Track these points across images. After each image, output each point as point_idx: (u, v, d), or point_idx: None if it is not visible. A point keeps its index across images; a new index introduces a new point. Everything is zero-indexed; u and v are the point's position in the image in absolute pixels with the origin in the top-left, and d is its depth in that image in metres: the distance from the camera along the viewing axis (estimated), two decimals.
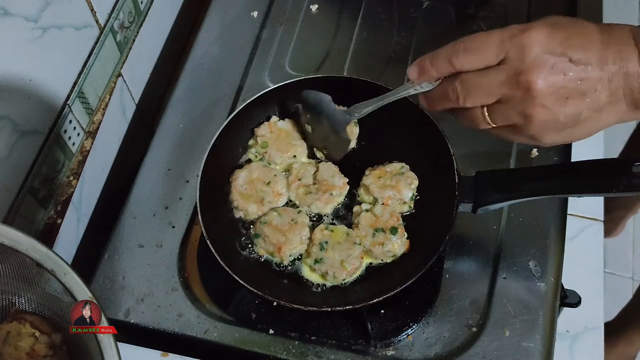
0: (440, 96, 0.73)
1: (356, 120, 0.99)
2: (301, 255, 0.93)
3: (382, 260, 0.92)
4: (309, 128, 1.00)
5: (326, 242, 0.91)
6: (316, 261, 0.90)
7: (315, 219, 0.96)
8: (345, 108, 0.95)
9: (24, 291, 0.77)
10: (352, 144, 1.01)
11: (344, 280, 0.90)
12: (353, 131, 1.02)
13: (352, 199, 0.98)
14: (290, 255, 0.92)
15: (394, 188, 0.95)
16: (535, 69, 0.63)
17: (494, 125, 0.71)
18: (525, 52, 0.63)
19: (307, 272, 0.92)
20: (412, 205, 0.97)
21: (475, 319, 0.91)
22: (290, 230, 0.92)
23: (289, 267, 0.92)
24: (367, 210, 0.94)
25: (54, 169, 0.96)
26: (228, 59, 1.20)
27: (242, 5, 1.28)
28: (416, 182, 0.97)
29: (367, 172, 0.98)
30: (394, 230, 0.91)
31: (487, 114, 0.70)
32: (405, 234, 0.93)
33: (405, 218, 0.95)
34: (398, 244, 0.91)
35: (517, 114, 0.67)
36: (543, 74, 0.63)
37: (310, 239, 0.93)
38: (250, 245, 0.94)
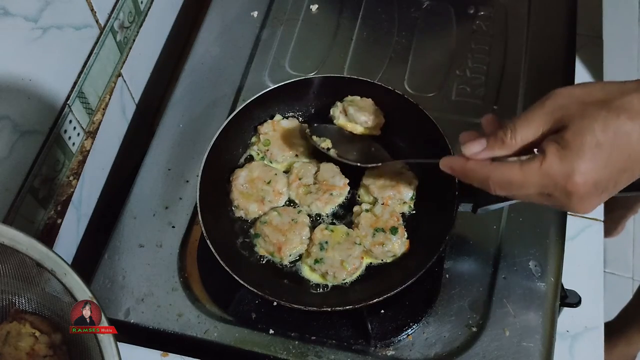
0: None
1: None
2: (301, 255, 0.93)
3: (382, 260, 0.92)
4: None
5: (326, 242, 0.91)
6: (316, 261, 0.90)
7: (315, 218, 0.97)
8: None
9: (24, 291, 0.77)
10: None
11: (344, 280, 0.90)
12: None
13: (352, 199, 0.98)
14: (290, 255, 0.92)
15: (394, 188, 0.95)
16: (583, 203, 0.64)
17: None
18: (573, 196, 0.62)
19: (307, 272, 0.92)
20: (412, 205, 0.97)
21: (475, 319, 0.91)
22: (290, 230, 0.92)
23: (289, 267, 0.92)
24: (367, 210, 0.94)
25: (54, 169, 0.96)
26: (228, 59, 1.20)
27: (242, 5, 1.28)
28: (416, 182, 0.97)
29: (367, 172, 0.98)
30: (394, 230, 0.91)
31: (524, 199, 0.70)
32: (405, 234, 0.93)
33: (405, 218, 0.95)
34: (398, 244, 0.91)
35: (558, 208, 0.68)
36: (591, 202, 0.64)
37: (310, 238, 0.93)
38: (250, 245, 0.94)
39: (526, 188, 0.64)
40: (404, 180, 0.96)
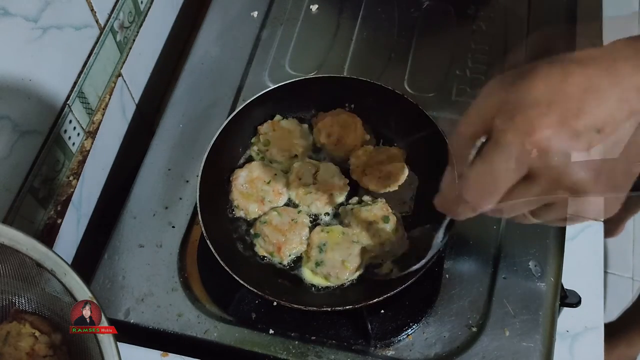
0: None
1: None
2: (301, 255, 0.93)
3: (382, 260, 0.92)
4: None
5: (324, 244, 0.91)
6: (317, 264, 0.90)
7: (314, 219, 0.97)
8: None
9: (24, 291, 0.77)
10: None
11: (346, 279, 0.90)
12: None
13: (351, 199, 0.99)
14: (290, 255, 0.92)
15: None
16: (573, 166, 0.52)
17: (541, 222, 0.63)
18: (550, 157, 0.51)
19: (309, 276, 0.91)
20: (412, 206, 0.97)
21: (475, 319, 0.91)
22: (290, 230, 0.92)
23: (289, 267, 0.92)
24: (352, 208, 0.94)
25: (54, 169, 0.96)
26: (228, 59, 1.20)
27: (242, 5, 1.28)
28: (416, 182, 0.97)
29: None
30: (386, 219, 0.91)
31: (531, 217, 0.62)
32: (397, 221, 0.93)
33: (405, 218, 0.95)
34: (392, 230, 0.92)
35: (569, 211, 0.58)
36: (582, 167, 0.52)
37: (308, 242, 0.93)
38: (250, 245, 0.94)
39: (502, 188, 0.55)
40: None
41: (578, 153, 0.51)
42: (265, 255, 0.93)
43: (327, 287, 0.91)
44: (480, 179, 0.56)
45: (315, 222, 0.96)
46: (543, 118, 0.50)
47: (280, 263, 0.93)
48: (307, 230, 0.93)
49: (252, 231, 0.95)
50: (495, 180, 0.55)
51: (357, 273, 0.91)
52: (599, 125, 0.50)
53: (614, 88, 0.50)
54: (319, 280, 0.91)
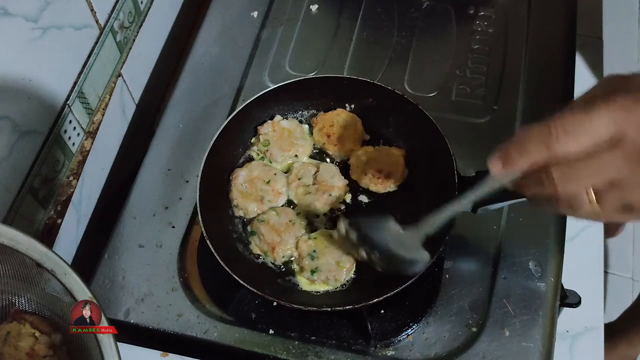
0: (529, 184, 0.62)
1: None
2: (293, 257, 0.93)
3: None
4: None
5: (314, 251, 0.91)
6: (312, 272, 0.89)
7: (312, 219, 0.97)
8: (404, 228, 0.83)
9: (24, 291, 0.76)
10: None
11: (344, 279, 0.90)
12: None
13: (351, 199, 0.98)
14: (283, 257, 0.92)
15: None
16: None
17: (599, 211, 0.59)
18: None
19: (307, 286, 0.91)
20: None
21: (475, 319, 0.91)
22: (286, 231, 0.92)
23: (284, 271, 0.92)
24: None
25: (54, 169, 0.96)
26: (228, 59, 1.20)
27: (242, 5, 1.28)
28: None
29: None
30: None
31: (594, 198, 0.58)
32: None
33: None
34: None
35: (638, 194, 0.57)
36: None
37: (298, 254, 0.92)
38: (249, 245, 0.94)
39: (595, 128, 0.55)
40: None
41: None
42: (259, 254, 0.93)
43: (327, 290, 0.91)
44: (578, 116, 0.57)
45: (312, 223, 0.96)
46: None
47: (272, 263, 0.93)
48: (303, 232, 0.93)
49: (248, 228, 0.95)
50: (591, 126, 0.56)
51: (352, 271, 0.91)
52: None
53: None
54: (319, 287, 0.90)
